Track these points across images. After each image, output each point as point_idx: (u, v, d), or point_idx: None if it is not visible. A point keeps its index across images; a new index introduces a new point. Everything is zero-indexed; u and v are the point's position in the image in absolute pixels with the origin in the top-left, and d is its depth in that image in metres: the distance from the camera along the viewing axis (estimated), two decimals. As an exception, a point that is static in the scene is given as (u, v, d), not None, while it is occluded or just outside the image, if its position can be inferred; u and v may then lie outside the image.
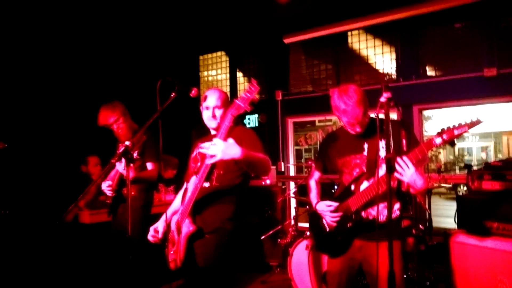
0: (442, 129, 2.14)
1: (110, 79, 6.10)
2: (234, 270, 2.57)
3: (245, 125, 2.66)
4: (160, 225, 2.67)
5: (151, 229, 2.69)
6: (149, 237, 2.67)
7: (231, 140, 2.17)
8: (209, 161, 2.24)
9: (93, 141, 5.07)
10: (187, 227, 2.43)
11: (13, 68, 5.38)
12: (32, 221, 4.75)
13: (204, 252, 2.45)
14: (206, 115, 2.62)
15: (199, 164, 2.61)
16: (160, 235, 2.63)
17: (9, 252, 4.37)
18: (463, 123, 2.10)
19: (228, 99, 2.65)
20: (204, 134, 2.77)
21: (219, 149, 2.13)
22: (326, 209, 2.58)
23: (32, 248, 4.60)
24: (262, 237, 5.12)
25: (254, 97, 2.18)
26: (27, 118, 5.42)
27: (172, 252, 2.56)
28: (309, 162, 4.94)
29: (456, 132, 2.09)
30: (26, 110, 5.45)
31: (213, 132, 2.68)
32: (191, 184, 2.52)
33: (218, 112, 2.58)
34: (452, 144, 2.13)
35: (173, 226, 2.60)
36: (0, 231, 4.40)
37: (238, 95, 2.34)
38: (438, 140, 2.14)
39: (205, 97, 2.64)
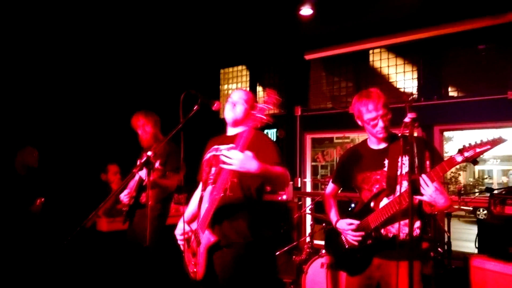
0: (464, 146, 2.11)
1: (135, 91, 6.23)
2: (250, 284, 2.54)
3: (265, 133, 2.64)
4: (183, 228, 2.65)
5: (177, 234, 2.68)
6: (180, 242, 2.66)
7: (249, 153, 2.15)
8: (224, 167, 2.20)
9: (114, 149, 5.17)
10: (207, 238, 2.42)
11: (40, 76, 5.55)
12: (52, 226, 4.82)
13: (222, 264, 2.44)
14: (227, 107, 2.66)
15: (213, 169, 2.59)
16: (187, 236, 2.61)
17: (26, 255, 4.44)
18: (485, 140, 2.07)
19: (254, 100, 2.68)
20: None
21: (237, 160, 2.11)
22: (347, 227, 2.54)
23: (51, 254, 4.65)
24: (277, 253, 5.08)
25: (271, 106, 2.20)
26: (51, 127, 5.56)
27: (193, 263, 2.55)
28: (326, 179, 4.90)
29: (478, 149, 2.06)
30: (51, 118, 5.59)
31: (229, 133, 2.68)
32: (207, 193, 2.51)
33: (239, 107, 2.62)
34: (474, 162, 2.09)
35: (191, 234, 2.60)
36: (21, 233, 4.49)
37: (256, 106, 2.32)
38: (460, 158, 2.10)
39: (232, 93, 2.72)
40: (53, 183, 5.19)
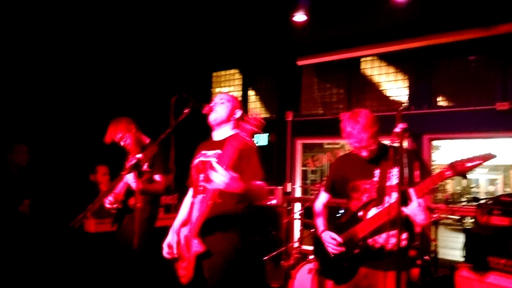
0: (455, 161, 2.12)
1: (126, 92, 6.20)
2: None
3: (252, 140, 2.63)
4: (172, 239, 2.65)
5: (165, 245, 2.67)
6: (165, 254, 2.65)
7: (234, 175, 2.17)
8: (209, 187, 2.25)
9: (103, 151, 5.11)
10: (196, 247, 2.43)
11: (32, 77, 5.51)
12: (39, 225, 4.77)
13: (210, 269, 2.44)
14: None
15: (201, 176, 2.59)
16: (175, 250, 2.61)
17: (13, 255, 4.39)
18: (476, 155, 2.08)
19: (238, 102, 2.70)
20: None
21: (221, 180, 2.13)
22: (330, 241, 2.57)
23: (37, 254, 4.60)
24: (265, 258, 5.07)
25: (255, 129, 2.19)
26: (41, 127, 5.52)
27: (181, 267, 2.55)
28: (317, 185, 4.91)
29: (468, 165, 2.07)
30: (41, 118, 5.55)
31: (216, 138, 2.68)
32: (198, 202, 2.51)
33: (220, 107, 2.60)
34: (464, 176, 2.10)
35: (182, 240, 2.59)
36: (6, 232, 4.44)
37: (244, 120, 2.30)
38: (449, 173, 2.12)
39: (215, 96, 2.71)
40: (42, 183, 5.14)
